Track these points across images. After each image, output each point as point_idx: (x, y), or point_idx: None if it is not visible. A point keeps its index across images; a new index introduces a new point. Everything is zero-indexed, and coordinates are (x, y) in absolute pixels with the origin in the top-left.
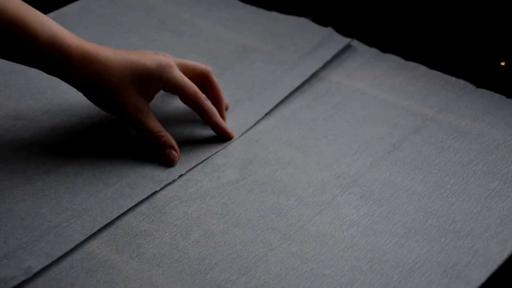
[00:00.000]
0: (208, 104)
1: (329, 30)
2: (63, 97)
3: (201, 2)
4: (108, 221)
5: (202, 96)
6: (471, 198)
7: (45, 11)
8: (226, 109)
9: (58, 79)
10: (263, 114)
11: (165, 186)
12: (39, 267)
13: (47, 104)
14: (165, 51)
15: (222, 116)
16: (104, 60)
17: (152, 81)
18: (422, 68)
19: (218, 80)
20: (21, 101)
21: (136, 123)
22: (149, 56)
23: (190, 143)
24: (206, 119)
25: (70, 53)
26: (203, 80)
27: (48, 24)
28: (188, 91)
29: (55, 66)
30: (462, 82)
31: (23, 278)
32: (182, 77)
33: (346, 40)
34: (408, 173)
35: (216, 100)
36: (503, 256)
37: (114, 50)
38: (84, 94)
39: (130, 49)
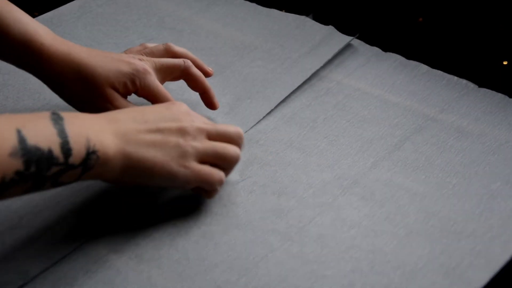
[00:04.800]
0: None
1: (330, 28)
2: None
3: (200, 0)
4: (107, 221)
5: None
6: (473, 199)
7: (44, 10)
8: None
9: None
10: (264, 114)
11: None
12: (37, 271)
13: (45, 104)
14: None
15: (213, 104)
16: (77, 61)
17: (126, 85)
18: (424, 67)
19: (218, 78)
20: (19, 101)
21: None
22: (126, 60)
23: None
24: None
25: (41, 51)
26: (184, 76)
27: (22, 21)
28: (162, 100)
29: (27, 63)
30: (464, 81)
31: (21, 282)
32: (156, 85)
33: (347, 39)
34: (409, 173)
35: (203, 91)
36: (505, 257)
37: (90, 51)
38: (57, 94)
39: (107, 52)
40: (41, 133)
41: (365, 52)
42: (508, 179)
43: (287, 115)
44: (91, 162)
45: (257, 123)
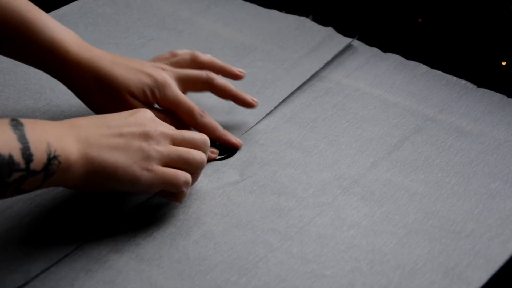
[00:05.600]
0: (205, 120)
1: (329, 29)
2: (62, 98)
3: (200, 0)
4: (107, 221)
5: (198, 113)
6: (472, 199)
7: (45, 11)
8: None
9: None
10: (264, 114)
11: None
12: (38, 270)
13: (46, 104)
14: (165, 50)
15: (250, 104)
16: (99, 70)
17: (146, 94)
18: (423, 68)
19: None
20: (20, 101)
21: None
22: (147, 71)
23: None
24: (206, 134)
25: (67, 59)
26: (209, 88)
27: (50, 27)
28: (183, 109)
29: (52, 70)
30: (463, 81)
31: (22, 282)
32: (176, 96)
33: (347, 40)
34: (408, 173)
35: (232, 98)
36: (504, 257)
37: (113, 59)
38: (81, 100)
39: (131, 58)
40: (1, 138)
41: (365, 52)
42: (507, 179)
43: (287, 115)
44: (52, 168)
45: (257, 123)
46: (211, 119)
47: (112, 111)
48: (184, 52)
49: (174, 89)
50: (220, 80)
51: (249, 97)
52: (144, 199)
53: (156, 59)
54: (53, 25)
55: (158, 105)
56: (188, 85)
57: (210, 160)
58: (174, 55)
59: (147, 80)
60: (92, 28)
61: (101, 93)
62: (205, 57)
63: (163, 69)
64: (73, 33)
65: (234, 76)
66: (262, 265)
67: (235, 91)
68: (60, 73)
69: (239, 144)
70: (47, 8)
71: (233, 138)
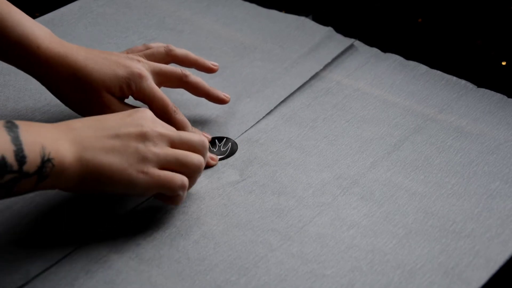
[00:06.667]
0: (178, 116)
1: (329, 30)
2: None
3: (200, 0)
4: (107, 221)
5: (171, 108)
6: (472, 199)
7: (45, 11)
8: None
9: None
10: (264, 114)
11: None
12: (38, 271)
13: (46, 104)
14: None
15: (221, 100)
16: (73, 65)
17: (122, 89)
18: (423, 68)
19: (218, 79)
20: (20, 101)
21: None
22: (122, 63)
23: None
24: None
25: (38, 55)
26: (183, 85)
27: (21, 23)
28: (157, 103)
29: (25, 65)
30: (463, 81)
31: (21, 282)
32: (151, 89)
33: (347, 42)
34: (408, 173)
35: (205, 95)
36: (504, 256)
37: (87, 53)
38: (56, 96)
39: (106, 51)
40: None
41: (365, 52)
42: (507, 179)
43: (287, 115)
44: (46, 170)
45: (257, 122)
46: (183, 116)
47: (86, 105)
48: (158, 45)
49: (150, 82)
50: (194, 77)
51: (221, 93)
52: (144, 200)
53: (130, 51)
54: (24, 21)
55: (133, 97)
56: (162, 79)
57: (208, 166)
58: (148, 47)
59: (123, 73)
60: (92, 28)
61: (76, 88)
62: (180, 51)
63: (138, 61)
64: (45, 29)
65: (208, 70)
66: (262, 265)
67: (208, 88)
68: (32, 69)
69: (208, 138)
70: (48, 8)
71: (201, 133)
